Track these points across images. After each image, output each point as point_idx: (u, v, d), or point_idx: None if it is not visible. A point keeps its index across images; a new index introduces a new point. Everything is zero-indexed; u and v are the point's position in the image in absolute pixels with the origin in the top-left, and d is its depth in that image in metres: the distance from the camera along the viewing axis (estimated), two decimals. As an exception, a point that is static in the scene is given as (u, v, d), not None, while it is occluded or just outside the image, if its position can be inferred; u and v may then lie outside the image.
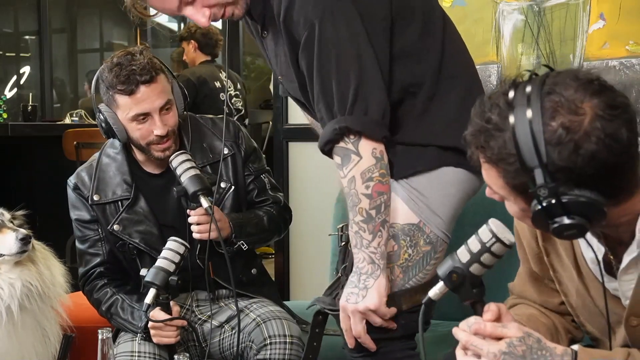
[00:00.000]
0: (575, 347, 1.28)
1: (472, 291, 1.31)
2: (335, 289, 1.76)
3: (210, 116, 2.31)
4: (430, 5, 1.73)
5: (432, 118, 1.66)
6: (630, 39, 2.29)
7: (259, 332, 2.06)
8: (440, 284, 1.33)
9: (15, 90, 6.22)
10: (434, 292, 1.34)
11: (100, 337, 1.65)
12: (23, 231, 2.02)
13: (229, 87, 4.78)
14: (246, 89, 5.01)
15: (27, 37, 6.61)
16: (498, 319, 1.29)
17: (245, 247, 2.12)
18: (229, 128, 2.23)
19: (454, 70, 1.70)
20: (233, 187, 2.19)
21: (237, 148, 2.22)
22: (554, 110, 1.17)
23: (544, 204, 1.19)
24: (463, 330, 1.29)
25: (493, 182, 1.28)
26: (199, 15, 1.62)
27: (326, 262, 2.66)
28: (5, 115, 4.67)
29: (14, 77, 6.31)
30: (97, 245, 2.19)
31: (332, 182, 2.65)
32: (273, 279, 2.56)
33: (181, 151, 2.08)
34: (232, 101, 4.79)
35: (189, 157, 2.06)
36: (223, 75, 4.81)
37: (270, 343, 2.02)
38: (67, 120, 4.90)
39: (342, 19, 1.56)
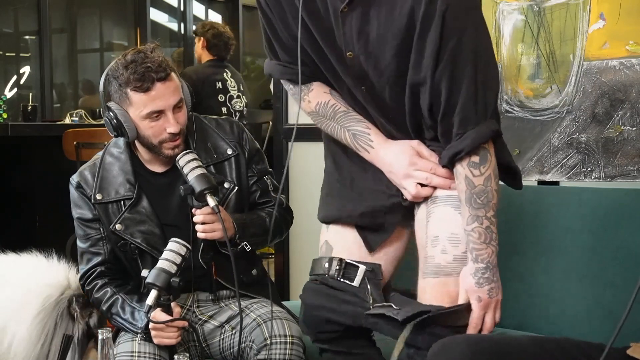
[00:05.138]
0: None
1: None
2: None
3: (214, 117, 2.31)
4: None
5: None
6: (630, 39, 2.29)
7: (259, 332, 2.06)
8: None
9: (15, 90, 6.20)
10: None
11: (100, 337, 1.66)
12: None
13: (233, 87, 4.74)
14: (245, 90, 4.96)
15: (27, 37, 6.59)
16: None
17: (248, 249, 2.12)
18: (233, 129, 2.24)
19: None
20: (236, 187, 2.19)
21: (240, 149, 2.22)
22: None
23: None
24: None
25: None
26: None
27: (326, 262, 2.65)
28: (5, 115, 4.66)
29: (14, 77, 6.30)
30: (98, 244, 2.19)
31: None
32: (273, 279, 2.56)
33: (187, 150, 2.08)
34: (233, 102, 4.75)
35: (196, 157, 2.06)
36: (228, 75, 4.77)
37: (271, 343, 2.02)
38: (67, 120, 4.89)
39: (486, 31, 1.67)
